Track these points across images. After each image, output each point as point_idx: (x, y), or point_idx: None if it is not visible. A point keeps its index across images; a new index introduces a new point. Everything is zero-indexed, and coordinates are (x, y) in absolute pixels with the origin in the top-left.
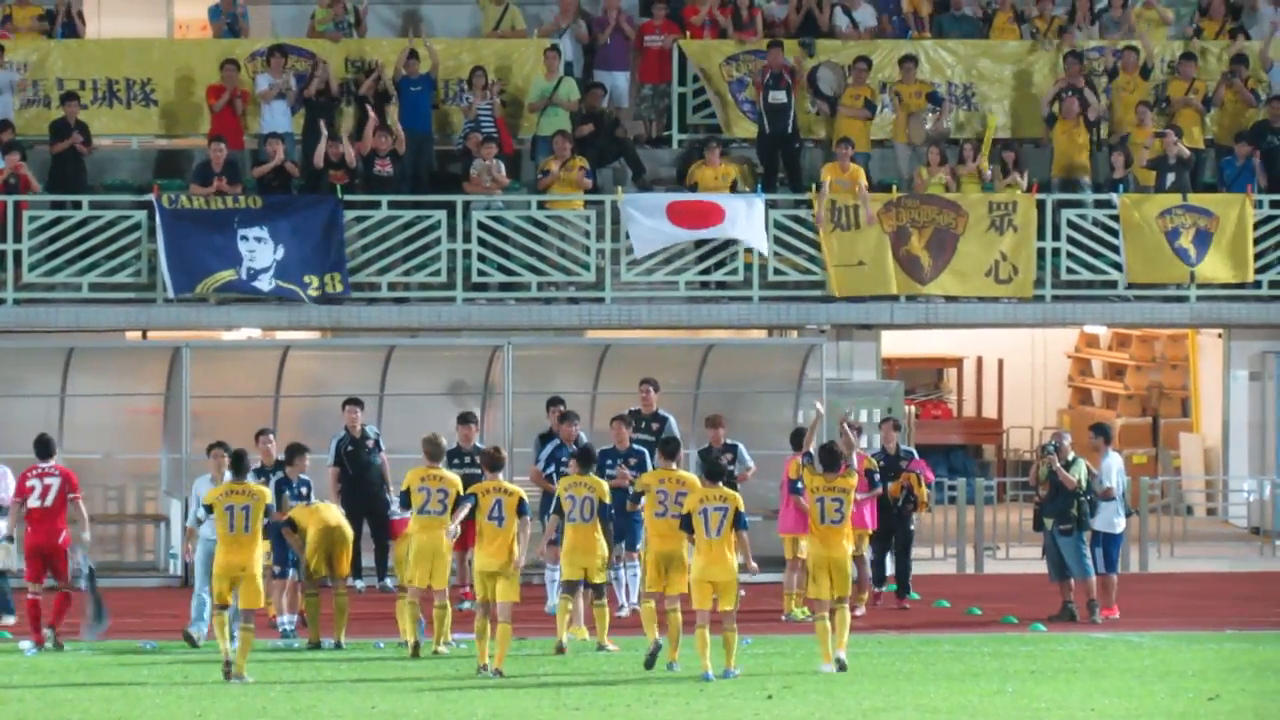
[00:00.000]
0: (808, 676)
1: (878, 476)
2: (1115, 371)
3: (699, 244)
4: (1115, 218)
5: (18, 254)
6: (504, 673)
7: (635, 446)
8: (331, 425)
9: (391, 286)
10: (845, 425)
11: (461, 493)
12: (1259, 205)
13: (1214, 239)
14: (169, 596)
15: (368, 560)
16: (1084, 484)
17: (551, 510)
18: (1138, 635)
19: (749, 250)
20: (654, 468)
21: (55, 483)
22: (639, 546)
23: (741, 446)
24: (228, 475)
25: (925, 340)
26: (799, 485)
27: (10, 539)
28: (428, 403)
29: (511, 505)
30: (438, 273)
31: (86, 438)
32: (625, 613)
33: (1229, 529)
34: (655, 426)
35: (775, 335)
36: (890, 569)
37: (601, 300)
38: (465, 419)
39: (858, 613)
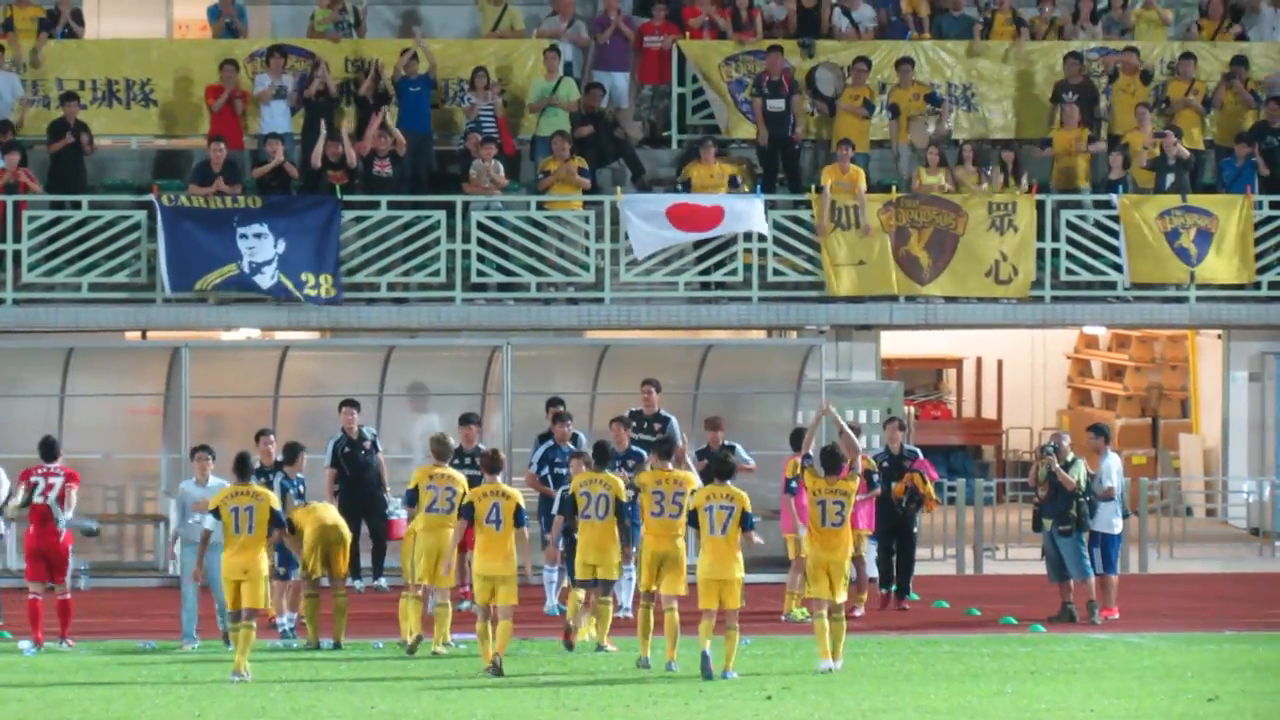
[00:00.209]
0: (807, 677)
1: (876, 477)
2: (1115, 372)
3: (698, 244)
4: (1115, 218)
5: (17, 254)
6: (502, 665)
7: (634, 448)
8: (330, 426)
9: (391, 287)
10: (829, 408)
11: (468, 491)
12: (1258, 206)
13: (1214, 240)
14: (168, 597)
15: (366, 561)
16: (1083, 485)
17: (555, 510)
18: (1137, 636)
19: (748, 250)
20: (649, 468)
21: (58, 484)
22: (634, 548)
23: (740, 448)
24: (208, 476)
25: (925, 341)
26: (793, 485)
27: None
28: (428, 403)
29: (509, 509)
30: (437, 273)
31: (86, 438)
32: (623, 614)
33: (1228, 530)
34: (657, 427)
35: (774, 336)
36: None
37: (601, 301)
38: (467, 420)
39: (857, 613)
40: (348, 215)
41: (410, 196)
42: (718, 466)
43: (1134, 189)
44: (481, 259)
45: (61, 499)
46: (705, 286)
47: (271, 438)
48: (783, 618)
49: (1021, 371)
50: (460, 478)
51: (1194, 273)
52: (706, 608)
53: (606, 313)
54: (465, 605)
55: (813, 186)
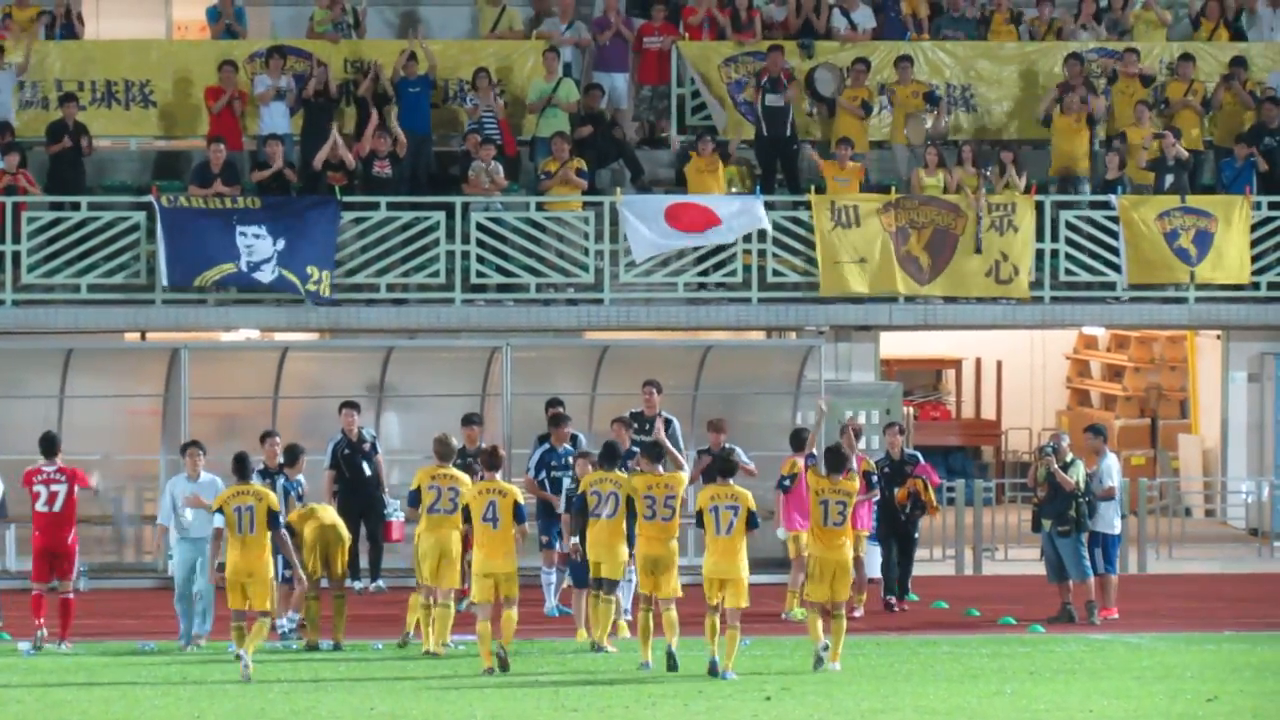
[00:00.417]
0: (806, 677)
1: (875, 478)
2: (1114, 373)
3: (697, 245)
4: (1114, 219)
5: (16, 255)
6: (508, 658)
7: (636, 449)
8: (330, 427)
9: (390, 288)
10: (823, 404)
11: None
12: (1257, 207)
13: (1213, 240)
14: (167, 598)
15: (365, 562)
16: (1082, 485)
17: (564, 509)
18: (1136, 636)
19: (748, 251)
20: (638, 470)
21: (62, 490)
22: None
23: (739, 450)
24: (199, 471)
25: (924, 342)
26: (785, 483)
27: None
28: (426, 404)
29: (506, 506)
30: (436, 274)
31: (85, 439)
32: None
33: (1228, 530)
34: (659, 429)
35: (774, 336)
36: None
37: (600, 301)
38: (469, 420)
39: (856, 614)
40: (347, 216)
41: (409, 197)
42: (720, 465)
43: (1132, 188)
44: (481, 260)
45: (70, 506)
46: (704, 287)
47: (277, 439)
48: (783, 616)
49: (1021, 372)
50: (464, 478)
51: (1193, 273)
52: (712, 605)
53: (606, 313)
54: (464, 605)
55: (812, 187)
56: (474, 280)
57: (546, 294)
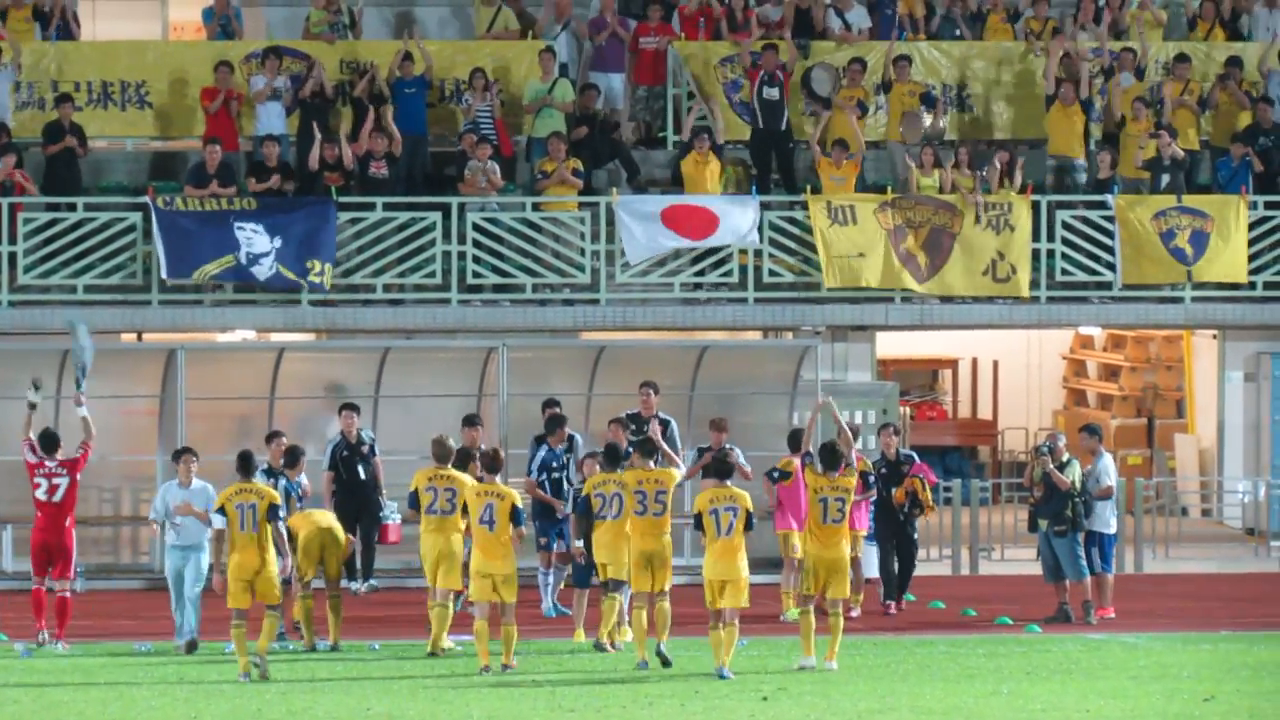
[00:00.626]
0: (802, 678)
1: (872, 478)
2: (1110, 373)
3: (691, 247)
4: (1110, 219)
5: (12, 256)
6: (514, 665)
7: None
8: (328, 427)
9: (386, 288)
10: (824, 402)
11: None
12: (1253, 206)
13: (1209, 240)
14: (164, 598)
15: (357, 564)
16: (1078, 485)
17: (571, 510)
18: (1133, 636)
19: (744, 252)
20: (631, 467)
21: (64, 483)
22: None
23: (738, 450)
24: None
25: (920, 341)
26: (775, 475)
27: None
28: (424, 405)
29: (503, 510)
30: (433, 274)
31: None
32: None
33: (1224, 530)
34: (656, 429)
35: (770, 337)
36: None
37: (596, 302)
38: (470, 421)
39: (853, 614)
40: (343, 217)
41: (406, 198)
42: (718, 466)
43: (1125, 187)
44: (477, 260)
45: (71, 500)
46: (700, 287)
47: (283, 440)
48: (781, 618)
49: (1017, 372)
50: (462, 478)
51: (1189, 273)
52: (713, 609)
53: (602, 314)
54: (461, 605)
55: (808, 187)
56: (470, 281)
57: (543, 294)
